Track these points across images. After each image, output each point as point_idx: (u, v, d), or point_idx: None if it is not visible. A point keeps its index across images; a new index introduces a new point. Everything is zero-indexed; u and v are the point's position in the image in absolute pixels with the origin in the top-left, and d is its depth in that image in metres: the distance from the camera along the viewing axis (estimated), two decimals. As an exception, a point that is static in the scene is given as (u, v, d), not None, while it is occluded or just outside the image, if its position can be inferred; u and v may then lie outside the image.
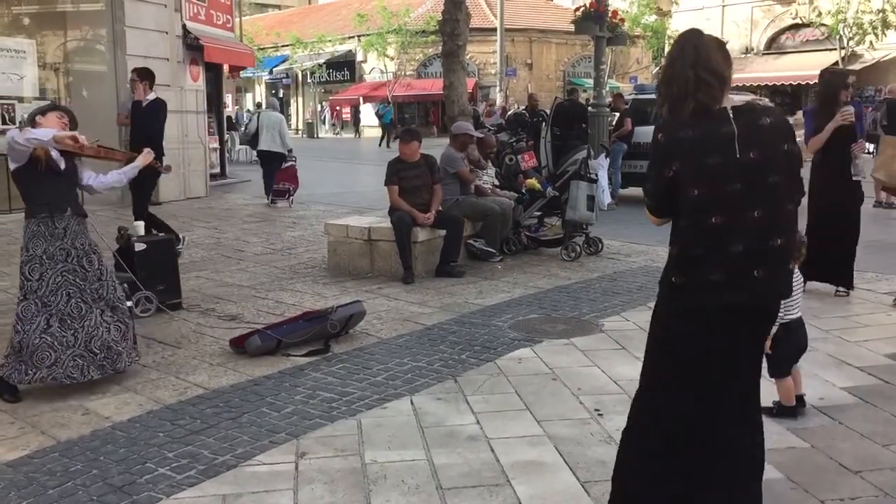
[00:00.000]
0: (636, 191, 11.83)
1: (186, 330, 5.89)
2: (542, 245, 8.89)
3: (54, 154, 4.56)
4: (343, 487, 3.41)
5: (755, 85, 30.77)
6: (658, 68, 40.58)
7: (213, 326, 5.95)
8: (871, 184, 7.89)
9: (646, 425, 2.76)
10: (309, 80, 46.87)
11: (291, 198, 13.43)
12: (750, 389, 2.75)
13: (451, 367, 4.96)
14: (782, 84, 32.20)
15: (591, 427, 4.02)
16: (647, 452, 2.73)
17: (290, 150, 13.87)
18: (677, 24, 38.03)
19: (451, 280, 7.42)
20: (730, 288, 2.52)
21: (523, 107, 18.70)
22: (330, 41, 44.28)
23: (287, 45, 46.01)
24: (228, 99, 29.82)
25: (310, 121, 44.88)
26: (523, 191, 9.07)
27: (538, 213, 9.00)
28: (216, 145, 17.66)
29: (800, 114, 25.36)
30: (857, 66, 28.99)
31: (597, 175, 8.72)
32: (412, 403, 4.36)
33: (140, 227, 6.72)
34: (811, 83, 30.27)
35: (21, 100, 12.40)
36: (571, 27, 14.27)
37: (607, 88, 14.21)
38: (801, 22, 32.80)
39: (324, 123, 46.34)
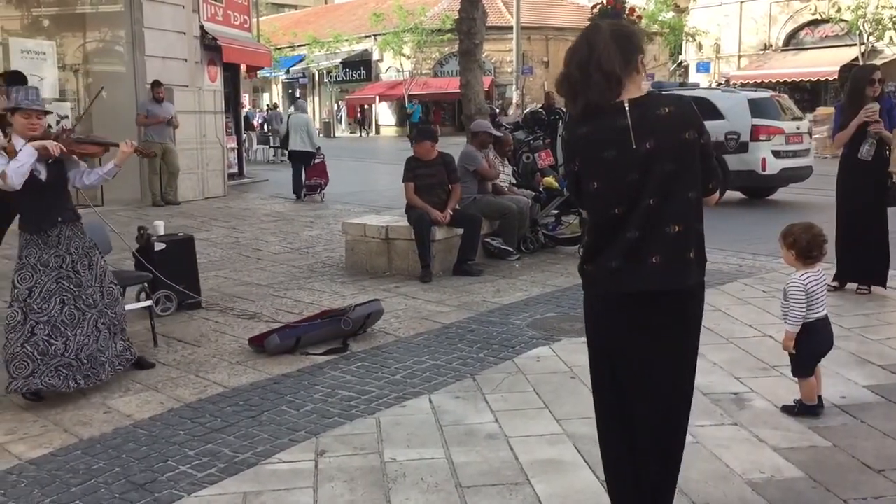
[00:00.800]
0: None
1: (206, 329, 5.93)
2: (560, 243, 8.87)
3: (33, 168, 4.35)
4: (362, 486, 3.42)
5: (774, 82, 30.49)
6: (675, 66, 40.43)
7: (233, 325, 5.98)
8: None
9: (595, 405, 2.88)
10: (325, 80, 47.00)
11: (323, 192, 14.24)
12: (680, 371, 2.73)
13: (470, 365, 4.96)
14: (801, 81, 31.91)
15: (610, 426, 4.01)
16: (600, 429, 2.85)
17: (318, 148, 14.71)
18: (695, 21, 37.85)
19: (469, 279, 7.42)
20: (627, 274, 2.57)
21: (540, 105, 18.65)
22: (346, 40, 44.39)
23: (303, 45, 46.15)
24: (245, 99, 29.99)
25: (326, 120, 45.02)
26: (540, 189, 9.05)
27: (555, 212, 8.97)
28: (234, 145, 17.76)
29: (819, 110, 25.19)
30: (877, 62, 28.68)
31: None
32: (431, 402, 4.36)
33: (160, 226, 6.76)
34: (831, 80, 30.10)
35: (41, 101, 12.50)
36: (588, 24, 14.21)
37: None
38: (820, 18, 32.50)
39: (340, 123, 46.47)
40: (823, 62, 30.66)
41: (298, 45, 46.91)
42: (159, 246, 6.35)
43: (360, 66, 45.35)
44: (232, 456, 3.72)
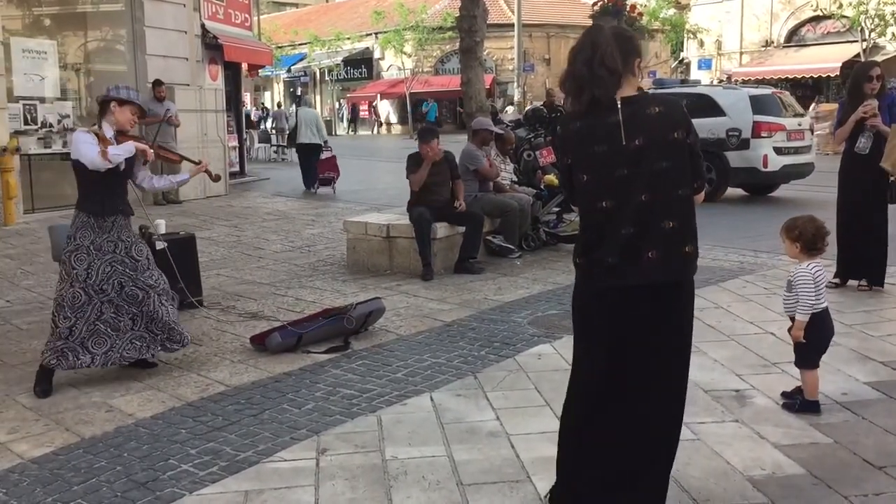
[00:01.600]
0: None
1: (207, 327, 5.94)
2: (561, 241, 8.86)
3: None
4: (364, 483, 3.43)
5: (776, 78, 30.45)
6: (677, 63, 40.38)
7: (234, 323, 5.99)
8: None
9: (567, 399, 2.95)
10: (327, 78, 46.98)
11: (335, 185, 14.79)
12: (670, 365, 2.79)
13: (471, 363, 4.96)
14: (803, 77, 31.86)
15: (611, 423, 4.01)
16: (566, 425, 2.93)
17: (325, 142, 15.28)
18: (696, 18, 37.79)
19: (470, 276, 7.42)
20: (623, 268, 2.66)
21: (541, 102, 18.64)
22: (347, 39, 44.37)
23: (305, 44, 46.11)
24: (247, 98, 30.01)
25: (328, 118, 45.01)
26: (542, 187, 9.05)
27: (557, 209, 8.97)
28: (235, 144, 17.77)
29: (822, 106, 25.13)
30: (879, 58, 28.60)
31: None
32: (432, 400, 4.36)
33: (161, 225, 6.76)
34: (832, 76, 30.01)
35: (43, 100, 12.50)
36: (589, 22, 14.24)
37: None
38: (821, 14, 32.38)
39: (342, 121, 46.46)
40: (825, 58, 30.54)
41: (299, 44, 46.87)
42: (160, 245, 6.35)
43: (362, 65, 45.34)
44: (233, 454, 3.73)
